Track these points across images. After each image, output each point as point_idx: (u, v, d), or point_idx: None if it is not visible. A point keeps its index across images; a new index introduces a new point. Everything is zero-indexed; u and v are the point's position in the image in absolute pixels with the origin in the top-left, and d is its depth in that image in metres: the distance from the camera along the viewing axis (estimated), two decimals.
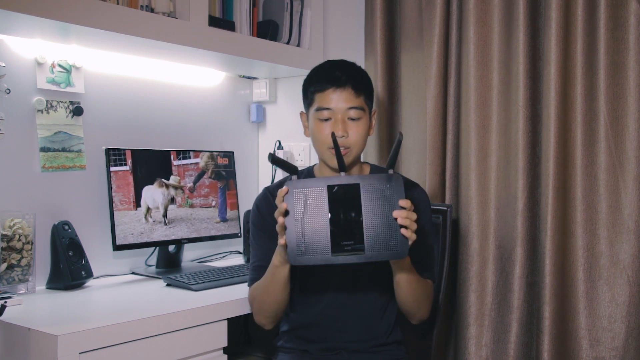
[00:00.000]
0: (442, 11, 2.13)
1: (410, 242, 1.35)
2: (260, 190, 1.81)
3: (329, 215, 1.35)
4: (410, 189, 1.67)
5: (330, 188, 1.36)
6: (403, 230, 1.33)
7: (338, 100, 1.57)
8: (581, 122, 1.88)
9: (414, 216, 1.35)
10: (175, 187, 2.13)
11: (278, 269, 1.51)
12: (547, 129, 1.90)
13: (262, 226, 1.65)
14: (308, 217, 1.35)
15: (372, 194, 1.36)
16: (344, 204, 1.36)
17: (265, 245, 1.62)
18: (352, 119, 1.58)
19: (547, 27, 1.91)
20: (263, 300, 1.60)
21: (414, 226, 1.35)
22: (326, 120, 1.58)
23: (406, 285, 1.54)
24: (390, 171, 1.38)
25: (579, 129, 1.89)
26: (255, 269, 1.63)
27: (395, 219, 1.33)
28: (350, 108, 1.57)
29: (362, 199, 1.35)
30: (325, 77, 1.59)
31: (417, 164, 2.23)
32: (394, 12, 2.32)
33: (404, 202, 1.34)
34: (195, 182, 2.20)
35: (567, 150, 1.91)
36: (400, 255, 1.35)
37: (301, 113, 1.70)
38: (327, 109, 1.57)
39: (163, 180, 2.11)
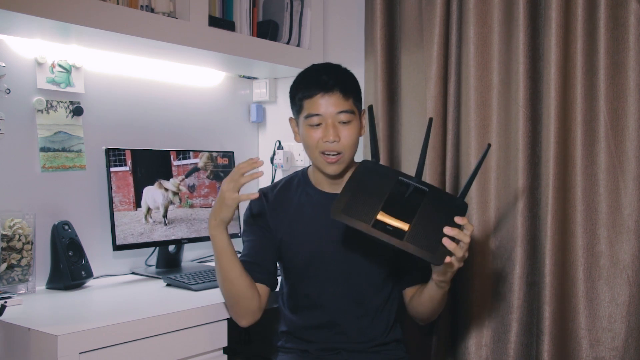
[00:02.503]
0: (442, 11, 2.13)
1: (455, 263, 1.39)
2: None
3: (387, 196, 1.40)
4: None
5: (400, 182, 1.43)
6: (445, 240, 1.36)
7: (327, 105, 1.56)
8: (581, 122, 1.88)
9: (467, 238, 1.38)
10: (174, 193, 2.13)
11: (216, 237, 1.52)
12: (547, 129, 1.90)
13: (252, 223, 1.67)
14: (369, 189, 1.41)
15: (435, 204, 1.41)
16: (404, 197, 1.41)
17: (251, 243, 1.65)
18: (343, 123, 1.58)
19: (547, 27, 1.91)
20: (222, 284, 1.58)
21: (462, 250, 1.38)
22: (317, 125, 1.58)
23: (437, 303, 1.59)
24: (460, 199, 1.45)
25: (579, 129, 1.88)
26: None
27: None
28: (340, 112, 1.57)
29: (423, 203, 1.41)
30: (312, 82, 1.58)
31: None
32: (394, 12, 2.32)
33: (460, 219, 1.38)
34: (187, 175, 2.19)
35: (567, 150, 1.91)
36: (435, 260, 1.37)
37: (290, 119, 1.69)
38: (317, 114, 1.57)
39: (162, 181, 2.11)
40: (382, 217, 1.38)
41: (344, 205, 1.39)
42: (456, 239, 1.38)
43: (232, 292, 1.57)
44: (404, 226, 1.37)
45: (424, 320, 1.68)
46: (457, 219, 1.38)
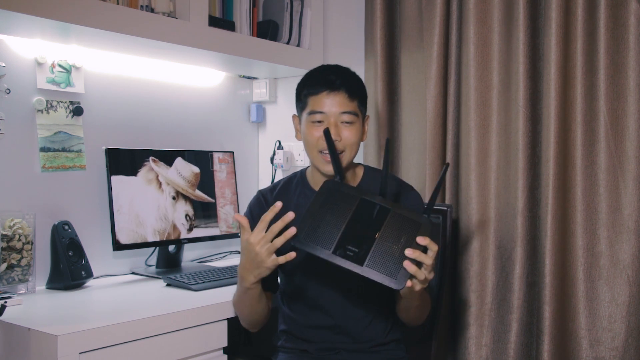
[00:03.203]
0: (442, 11, 2.13)
1: (417, 285, 1.35)
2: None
3: (349, 218, 1.37)
4: (405, 192, 1.67)
5: (362, 202, 1.39)
6: (406, 263, 1.33)
7: (332, 104, 1.56)
8: (581, 122, 1.88)
9: (429, 260, 1.34)
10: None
11: (250, 290, 1.52)
12: (547, 129, 1.90)
13: (253, 227, 1.65)
14: (330, 212, 1.38)
15: (398, 223, 1.38)
16: (367, 218, 1.38)
17: None
18: (345, 123, 1.57)
19: (547, 27, 1.91)
20: (241, 311, 1.63)
21: (425, 272, 1.35)
22: (319, 123, 1.57)
23: (413, 310, 1.57)
24: (425, 216, 1.40)
25: (579, 129, 1.89)
26: None
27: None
28: (344, 112, 1.56)
29: (385, 222, 1.38)
30: (319, 80, 1.58)
31: (417, 164, 2.24)
32: (394, 12, 2.32)
33: (422, 240, 1.34)
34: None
35: (567, 150, 1.91)
36: (396, 284, 1.35)
37: (293, 116, 1.69)
38: (321, 112, 1.57)
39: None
40: (342, 242, 1.36)
41: (305, 232, 1.37)
42: (418, 261, 1.34)
43: (254, 317, 1.63)
44: (366, 250, 1.35)
45: (407, 324, 1.67)
46: (419, 240, 1.34)
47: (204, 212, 2.23)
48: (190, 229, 2.16)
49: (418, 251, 1.34)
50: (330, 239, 1.36)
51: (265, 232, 1.41)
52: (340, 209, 1.38)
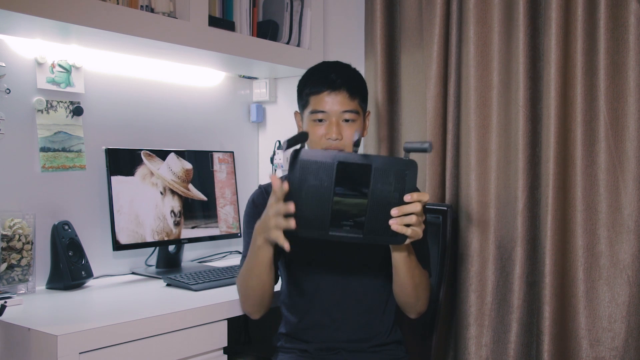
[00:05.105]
0: (442, 11, 2.13)
1: (418, 232, 1.33)
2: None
3: (334, 191, 1.30)
4: None
5: (340, 165, 1.31)
6: (392, 222, 1.30)
7: (333, 103, 1.58)
8: (581, 122, 1.88)
9: (417, 207, 1.31)
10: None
11: (261, 250, 1.46)
12: (547, 129, 1.90)
13: (255, 216, 1.65)
14: (312, 189, 1.30)
15: (384, 178, 1.31)
16: (351, 182, 1.31)
17: None
18: (347, 121, 1.59)
19: (547, 27, 1.91)
20: (247, 283, 1.57)
21: (417, 219, 1.31)
22: (320, 121, 1.59)
23: (405, 270, 1.50)
24: (409, 156, 1.33)
25: (579, 129, 1.89)
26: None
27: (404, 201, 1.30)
28: (345, 111, 1.58)
29: (371, 181, 1.31)
30: (321, 79, 1.60)
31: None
32: (394, 12, 2.32)
33: (409, 198, 1.31)
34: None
35: (567, 150, 1.91)
36: (398, 241, 1.33)
37: (295, 113, 1.71)
38: (322, 111, 1.58)
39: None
40: (336, 217, 1.30)
41: (296, 220, 1.30)
42: (406, 212, 1.30)
43: (258, 292, 1.57)
44: (360, 217, 1.30)
45: (407, 309, 1.62)
46: (406, 198, 1.30)
47: (204, 211, 2.23)
48: (176, 224, 2.14)
49: (402, 208, 1.30)
50: (323, 219, 1.31)
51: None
52: (321, 182, 1.30)
